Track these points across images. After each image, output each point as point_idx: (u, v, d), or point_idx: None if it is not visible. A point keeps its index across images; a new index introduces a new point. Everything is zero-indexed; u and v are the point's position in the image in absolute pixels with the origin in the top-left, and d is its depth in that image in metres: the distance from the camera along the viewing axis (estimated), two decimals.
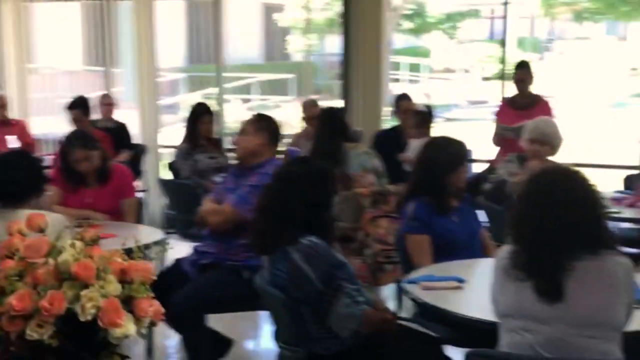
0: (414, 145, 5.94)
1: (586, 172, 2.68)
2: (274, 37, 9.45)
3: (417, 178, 4.05)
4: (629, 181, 5.71)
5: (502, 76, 7.12)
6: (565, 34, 29.96)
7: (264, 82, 11.71)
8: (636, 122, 14.57)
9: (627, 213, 4.82)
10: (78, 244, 1.60)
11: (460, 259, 3.76)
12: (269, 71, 10.85)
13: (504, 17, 6.88)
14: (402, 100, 6.40)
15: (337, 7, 7.28)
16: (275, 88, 11.84)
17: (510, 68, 6.98)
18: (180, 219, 5.69)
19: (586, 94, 18.16)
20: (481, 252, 3.97)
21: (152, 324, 1.62)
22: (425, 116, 5.94)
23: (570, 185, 2.61)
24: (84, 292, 1.53)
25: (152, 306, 1.61)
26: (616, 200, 4.94)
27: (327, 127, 5.36)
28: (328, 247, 3.14)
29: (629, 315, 2.61)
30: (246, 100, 12.53)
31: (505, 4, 6.78)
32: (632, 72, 24.69)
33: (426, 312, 3.57)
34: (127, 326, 1.55)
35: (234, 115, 9.62)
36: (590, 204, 2.59)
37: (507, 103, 6.13)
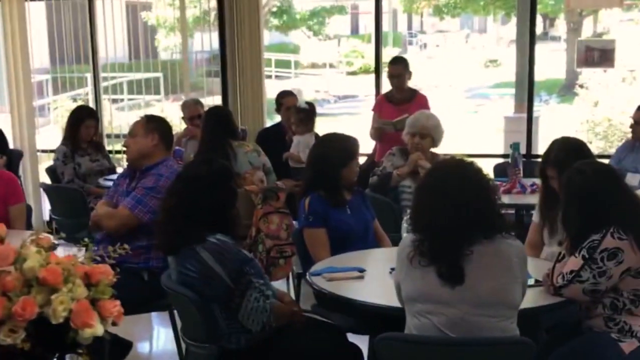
0: (297, 141, 6.06)
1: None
2: (142, 35, 9.33)
3: (311, 174, 4.18)
4: (499, 169, 6.04)
5: (374, 70, 7.32)
6: (426, 28, 31.04)
7: (133, 81, 11.51)
8: (498, 112, 15.37)
9: (504, 199, 5.12)
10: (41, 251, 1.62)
11: (356, 249, 3.92)
12: (137, 70, 10.67)
13: (376, 13, 7.07)
14: (285, 97, 6.47)
15: (206, 5, 7.29)
16: (144, 87, 11.66)
17: (381, 63, 7.22)
18: (66, 224, 5.56)
19: (449, 86, 18.91)
20: (375, 242, 4.15)
21: (114, 324, 1.66)
22: (308, 113, 6.05)
23: (464, 176, 2.80)
24: (54, 296, 1.56)
25: (115, 307, 1.66)
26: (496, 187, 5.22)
27: (214, 126, 5.39)
28: (235, 244, 3.21)
29: (524, 294, 2.83)
30: (115, 101, 12.25)
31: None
32: (491, 64, 25.90)
33: (326, 302, 3.72)
34: (97, 326, 1.59)
35: (106, 116, 9.41)
36: (484, 192, 2.79)
37: (385, 98, 6.33)
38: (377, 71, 7.13)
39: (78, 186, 6.01)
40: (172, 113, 10.67)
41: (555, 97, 18.87)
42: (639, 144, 5.37)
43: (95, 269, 1.72)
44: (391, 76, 6.18)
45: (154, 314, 5.13)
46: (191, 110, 6.37)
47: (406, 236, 2.91)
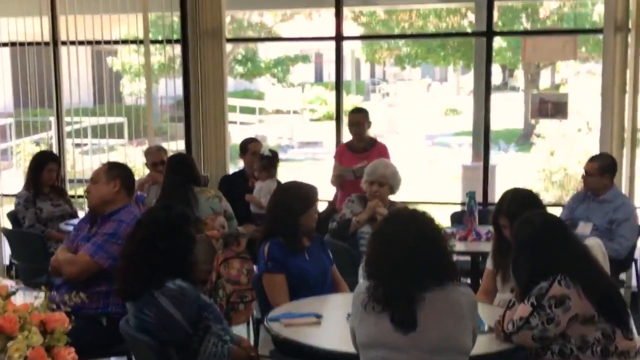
0: (259, 187, 6.15)
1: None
2: (107, 80, 9.38)
3: (271, 220, 4.26)
4: (456, 217, 6.18)
5: (335, 118, 7.46)
6: (388, 77, 31.55)
7: (97, 126, 11.51)
8: (456, 160, 15.61)
9: (459, 246, 5.25)
10: None
11: (314, 295, 3.99)
12: (101, 114, 10.68)
13: (337, 62, 7.22)
14: (250, 143, 6.56)
15: (171, 52, 7.40)
16: (108, 131, 11.67)
17: (342, 110, 7.36)
18: (26, 269, 5.55)
19: (410, 134, 19.20)
20: (333, 288, 4.22)
21: None
22: (270, 159, 6.15)
23: (417, 224, 2.90)
24: (10, 344, 1.59)
25: (70, 353, 1.70)
26: (448, 235, 5.35)
27: (176, 172, 5.45)
28: (194, 290, 3.27)
29: (474, 340, 2.93)
30: (79, 145, 12.24)
31: (339, 49, 7.14)
32: (451, 113, 26.36)
33: (284, 348, 3.76)
34: None
35: (69, 160, 9.42)
36: (436, 241, 2.89)
37: (346, 147, 6.45)
38: (338, 119, 7.27)
39: (39, 231, 6.00)
40: (136, 158, 10.70)
41: (513, 146, 19.23)
42: (590, 194, 5.53)
43: (51, 317, 1.76)
44: (351, 125, 6.32)
45: (112, 359, 5.12)
46: (154, 156, 6.43)
47: (361, 282, 2.99)
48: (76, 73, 7.83)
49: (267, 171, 6.11)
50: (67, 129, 8.22)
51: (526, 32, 12.98)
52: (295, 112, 25.53)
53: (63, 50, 7.62)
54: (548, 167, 12.36)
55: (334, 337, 3.34)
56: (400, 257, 2.82)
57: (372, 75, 37.24)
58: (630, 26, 6.19)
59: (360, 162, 5.99)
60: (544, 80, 26.23)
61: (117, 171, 4.31)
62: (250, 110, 23.38)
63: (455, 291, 2.85)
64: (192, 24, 7.10)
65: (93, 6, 7.46)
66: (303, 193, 4.22)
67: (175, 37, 7.38)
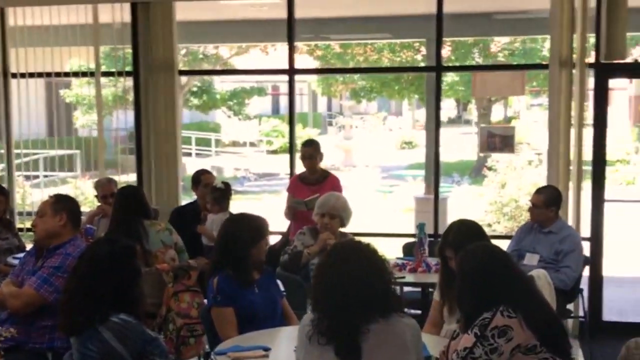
0: (211, 220, 6.12)
1: (370, 242, 3.05)
2: (59, 112, 9.32)
3: (220, 253, 4.25)
4: (407, 248, 6.24)
5: (289, 151, 7.50)
6: (345, 111, 31.81)
7: (48, 158, 11.43)
8: (411, 192, 15.75)
9: (410, 277, 5.30)
10: None
11: (264, 328, 3.98)
12: (52, 147, 10.58)
13: (290, 96, 7.28)
14: (202, 174, 6.54)
15: (126, 83, 7.40)
16: (59, 164, 11.57)
17: (297, 142, 7.41)
18: None
19: (365, 167, 19.35)
20: (283, 320, 4.22)
21: None
22: (223, 192, 6.13)
23: (361, 256, 2.93)
24: None
25: None
26: (399, 266, 5.41)
27: (125, 205, 5.41)
28: (139, 324, 3.24)
29: None
30: (30, 177, 12.12)
31: (291, 82, 7.20)
32: (406, 146, 26.65)
33: None
34: None
35: (20, 192, 9.31)
36: (380, 273, 2.93)
37: (299, 179, 6.49)
38: (291, 151, 7.30)
39: None
40: (89, 190, 10.60)
41: (467, 179, 19.48)
42: (537, 225, 5.63)
43: None
44: (303, 157, 6.36)
45: None
46: (104, 188, 6.38)
47: (306, 315, 3.00)
48: (26, 105, 7.77)
49: (219, 204, 6.09)
50: (17, 161, 8.13)
51: (474, 67, 13.22)
52: (252, 144, 25.60)
53: (13, 82, 7.56)
54: (499, 199, 12.54)
55: None
56: (344, 289, 2.84)
57: (329, 108, 37.57)
58: (574, 61, 6.35)
59: (313, 194, 6.03)
60: (497, 114, 26.73)
61: (63, 204, 4.27)
62: (206, 142, 23.38)
63: (400, 323, 2.88)
64: (144, 57, 7.10)
65: (44, 38, 7.43)
66: (253, 225, 4.21)
67: (128, 69, 7.36)
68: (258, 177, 21.41)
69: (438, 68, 7.06)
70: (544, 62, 15.90)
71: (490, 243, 3.70)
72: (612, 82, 6.68)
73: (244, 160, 22.52)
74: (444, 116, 29.92)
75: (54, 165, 11.61)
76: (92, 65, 7.48)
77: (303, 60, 18.36)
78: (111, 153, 16.67)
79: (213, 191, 6.15)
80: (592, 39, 6.53)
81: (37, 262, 4.20)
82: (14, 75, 7.56)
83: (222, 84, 22.36)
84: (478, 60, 17.64)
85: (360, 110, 35.40)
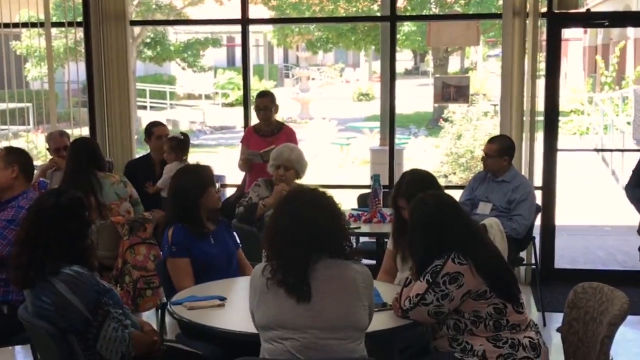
0: (169, 169, 6.05)
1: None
2: (10, 65, 9.08)
3: (172, 205, 4.25)
4: (362, 199, 6.29)
5: (243, 103, 7.45)
6: (301, 62, 31.64)
7: (0, 112, 11.23)
8: (367, 144, 15.82)
9: (365, 228, 5.35)
10: None
11: (220, 279, 4.01)
12: (5, 100, 10.41)
13: (244, 46, 7.20)
14: (155, 127, 6.45)
15: (78, 35, 7.23)
16: (11, 117, 11.38)
17: (252, 95, 7.35)
18: None
19: (322, 119, 19.33)
20: (238, 271, 4.25)
21: None
22: (180, 142, 6.07)
23: (316, 202, 2.96)
24: None
25: None
26: (354, 217, 5.46)
27: (79, 157, 5.34)
28: (92, 275, 3.23)
29: (371, 318, 3.00)
30: None
31: (245, 32, 7.11)
32: (364, 98, 26.64)
33: (190, 332, 3.78)
34: None
35: None
36: (335, 217, 2.96)
37: (254, 130, 6.46)
38: (246, 103, 7.25)
39: None
40: (42, 144, 10.44)
41: (424, 130, 19.61)
42: (490, 175, 5.70)
43: None
44: (258, 109, 6.32)
45: (17, 348, 5.03)
46: (57, 142, 6.27)
47: (258, 266, 3.02)
48: None
49: (175, 153, 6.03)
50: None
51: (429, 17, 13.22)
52: (207, 97, 25.35)
53: None
54: (456, 150, 12.66)
55: (237, 319, 3.36)
56: (296, 229, 2.87)
57: (286, 60, 37.32)
58: (528, 11, 6.38)
59: (268, 146, 6.02)
60: (454, 65, 26.82)
61: (15, 157, 4.22)
62: (161, 95, 23.10)
63: (351, 269, 2.92)
64: (94, 7, 6.95)
65: None
66: (197, 176, 4.21)
67: (79, 20, 7.21)
68: (214, 130, 21.28)
69: (393, 18, 7.04)
70: (489, 13, 16.00)
71: (441, 192, 3.75)
72: (568, 33, 6.73)
73: (200, 113, 22.31)
74: (400, 68, 29.96)
75: (5, 119, 11.41)
76: (42, 16, 7.29)
77: (258, 11, 18.15)
78: (64, 107, 16.42)
79: (171, 140, 6.10)
80: None
81: None
82: None
83: (176, 36, 22.02)
84: (435, 10, 17.62)
85: (317, 62, 35.23)
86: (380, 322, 3.24)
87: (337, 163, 15.05)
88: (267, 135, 6.32)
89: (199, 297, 3.61)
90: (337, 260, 2.91)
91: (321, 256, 2.88)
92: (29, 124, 13.83)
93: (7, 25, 7.58)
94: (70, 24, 7.27)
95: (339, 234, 2.95)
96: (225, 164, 10.70)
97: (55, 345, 3.16)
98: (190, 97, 26.44)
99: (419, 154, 15.12)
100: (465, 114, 13.40)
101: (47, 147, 6.50)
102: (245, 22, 7.06)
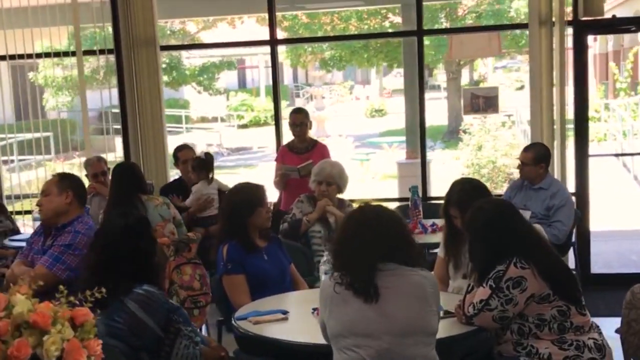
0: (195, 189, 6.13)
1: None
2: (26, 95, 9.17)
3: (223, 222, 4.33)
4: (401, 211, 6.31)
5: (274, 122, 7.52)
6: (310, 81, 31.76)
7: (23, 142, 11.33)
8: (387, 159, 15.89)
9: None
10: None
11: (274, 294, 4.06)
12: (27, 130, 10.52)
13: (273, 67, 7.29)
14: (179, 151, 6.53)
15: (94, 63, 7.32)
16: (33, 147, 11.48)
17: (280, 114, 7.44)
18: None
19: (339, 136, 19.41)
20: (292, 287, 4.30)
21: None
22: (201, 162, 6.15)
23: (382, 214, 3.03)
24: (46, 338, 1.65)
25: (98, 345, 1.77)
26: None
27: (123, 181, 5.44)
28: (161, 293, 3.29)
29: (438, 322, 3.05)
30: (5, 162, 12.02)
31: (274, 53, 7.21)
32: (377, 114, 26.72)
33: (249, 347, 3.83)
34: None
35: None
36: (401, 227, 3.03)
37: (288, 148, 6.52)
38: (277, 122, 7.34)
39: None
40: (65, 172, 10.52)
41: (440, 143, 19.65)
42: (527, 183, 5.75)
43: (77, 312, 1.84)
44: (294, 125, 6.37)
45: None
46: (95, 167, 6.36)
47: (326, 277, 3.09)
48: None
49: (197, 173, 6.11)
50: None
51: (454, 30, 13.30)
52: (221, 119, 25.49)
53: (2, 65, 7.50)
54: (476, 161, 12.71)
55: (302, 330, 3.43)
56: (364, 240, 2.94)
57: (295, 79, 37.46)
58: (554, 19, 6.44)
59: (303, 163, 6.10)
60: (464, 78, 26.87)
61: (68, 182, 4.29)
62: (176, 119, 23.23)
63: (419, 276, 2.98)
64: (125, 34, 7.06)
65: (22, 20, 7.36)
66: (248, 194, 4.28)
67: (100, 47, 7.31)
68: (231, 151, 21.38)
69: (419, 32, 7.13)
70: (512, 23, 16.09)
71: (496, 198, 3.81)
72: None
73: (216, 135, 22.43)
74: (409, 82, 30.01)
75: (28, 149, 11.51)
76: (58, 46, 7.38)
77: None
78: (82, 134, 16.47)
79: (192, 161, 6.21)
80: None
81: (46, 241, 4.23)
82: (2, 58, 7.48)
83: (189, 60, 22.19)
84: (446, 24, 17.73)
85: (326, 80, 35.38)
86: (441, 329, 3.27)
87: (357, 178, 15.11)
88: (301, 152, 6.38)
89: (262, 311, 3.66)
90: (403, 266, 2.97)
91: (388, 263, 2.95)
92: (49, 153, 13.94)
93: (30, 56, 7.69)
94: (101, 52, 7.38)
95: (404, 241, 3.02)
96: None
97: None
98: (203, 120, 26.59)
99: (438, 166, 15.16)
100: (483, 125, 13.47)
101: (85, 172, 6.59)
102: (273, 42, 7.16)
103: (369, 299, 2.88)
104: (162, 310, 3.22)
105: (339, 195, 5.38)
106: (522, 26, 10.62)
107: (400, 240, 3.00)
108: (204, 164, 6.17)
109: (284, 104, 28.58)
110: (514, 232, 3.37)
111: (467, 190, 3.99)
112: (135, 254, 3.31)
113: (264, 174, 13.76)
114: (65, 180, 4.31)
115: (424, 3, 7.21)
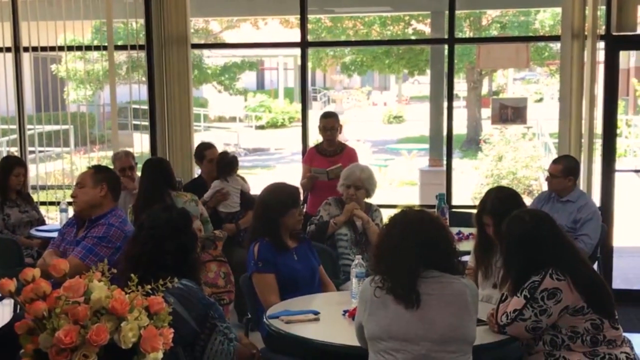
0: (214, 185, 6.13)
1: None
2: (49, 88, 9.23)
3: (255, 220, 4.34)
4: None
5: (302, 123, 7.55)
6: (334, 85, 31.77)
7: (40, 133, 11.37)
8: (409, 165, 15.90)
9: None
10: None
11: (303, 294, 4.08)
12: (41, 122, 10.54)
13: (302, 70, 7.32)
14: (206, 149, 6.52)
15: (117, 58, 7.37)
16: (52, 139, 11.56)
17: (307, 116, 7.46)
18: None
19: (357, 141, 19.43)
20: (321, 288, 4.32)
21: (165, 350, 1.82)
22: (227, 160, 6.15)
23: (424, 219, 3.04)
24: (124, 324, 1.69)
25: (171, 334, 1.81)
26: None
27: (154, 176, 5.46)
28: (199, 289, 3.32)
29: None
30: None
31: (304, 55, 7.23)
32: (395, 120, 26.71)
33: (276, 346, 3.86)
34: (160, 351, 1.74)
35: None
36: (444, 234, 3.04)
37: (316, 151, 6.54)
38: (304, 125, 7.37)
39: (8, 237, 5.94)
40: (82, 165, 10.60)
41: (457, 152, 19.62)
42: (554, 195, 5.74)
43: (153, 300, 1.88)
44: (324, 129, 6.40)
45: None
46: (122, 161, 6.40)
47: (367, 279, 3.10)
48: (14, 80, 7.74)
49: (216, 172, 6.11)
50: (12, 137, 8.12)
51: (486, 39, 13.32)
52: (239, 119, 25.56)
53: (25, 56, 7.57)
54: (496, 171, 12.70)
55: (334, 332, 3.45)
56: (407, 245, 2.95)
57: (313, 83, 37.52)
58: (586, 33, 6.44)
59: (331, 166, 6.12)
60: (483, 88, 26.82)
61: (103, 175, 4.32)
62: (195, 117, 23.33)
63: (460, 283, 2.99)
64: (156, 30, 7.11)
65: (56, 13, 7.42)
66: (284, 194, 4.30)
67: (127, 43, 7.36)
68: (248, 152, 21.43)
69: (451, 40, 7.13)
70: (536, 35, 16.08)
71: (533, 208, 3.81)
72: (601, 56, 6.74)
73: (233, 135, 22.50)
74: (425, 91, 29.98)
75: (48, 141, 11.55)
76: (82, 40, 7.42)
77: (294, 34, 18.33)
78: (101, 128, 16.56)
79: (219, 155, 6.23)
80: (602, 11, 6.64)
81: (79, 232, 4.26)
82: (26, 49, 7.54)
83: (210, 59, 22.27)
84: (470, 34, 17.72)
85: (344, 85, 35.42)
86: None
87: (379, 184, 15.15)
88: (330, 155, 6.41)
89: (293, 311, 3.68)
90: (446, 274, 2.98)
91: (430, 269, 2.96)
92: (68, 146, 14.03)
93: (62, 48, 7.75)
94: (132, 47, 7.44)
95: (447, 248, 3.03)
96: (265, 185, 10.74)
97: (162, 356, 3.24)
98: (220, 119, 26.68)
99: (457, 174, 15.16)
100: (503, 136, 13.45)
101: (113, 167, 6.63)
102: (304, 44, 7.19)
103: (410, 305, 2.89)
104: (200, 306, 3.25)
105: (367, 200, 5.39)
106: (553, 38, 10.61)
107: (443, 247, 3.01)
108: (228, 163, 6.16)
109: (301, 107, 28.66)
110: (552, 243, 3.37)
111: (501, 199, 4.00)
112: (178, 249, 3.35)
113: (282, 175, 13.80)
114: (100, 173, 4.34)
115: (463, 11, 7.21)
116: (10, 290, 2.02)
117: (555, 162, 5.80)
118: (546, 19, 16.13)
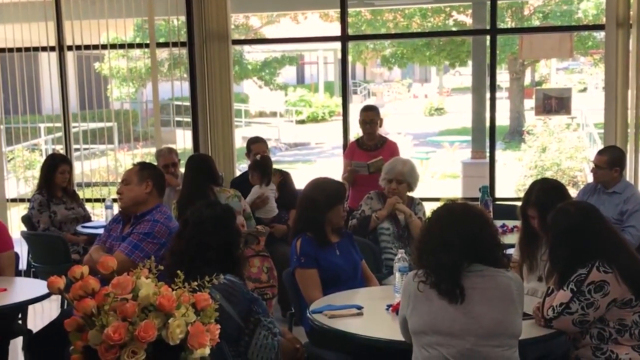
0: (253, 192, 6.14)
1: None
2: (92, 86, 9.37)
3: (299, 215, 4.35)
4: None
5: (342, 117, 7.55)
6: (375, 78, 31.66)
7: (85, 130, 11.54)
8: (448, 158, 15.79)
9: None
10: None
11: (345, 289, 4.08)
12: (85, 120, 10.70)
13: (343, 64, 7.32)
14: (253, 144, 6.55)
15: (159, 55, 7.47)
16: (97, 136, 11.71)
17: (348, 110, 7.46)
18: (46, 271, 5.60)
19: (397, 134, 19.37)
20: (363, 283, 4.32)
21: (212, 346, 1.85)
22: (253, 165, 6.16)
23: (468, 212, 3.02)
24: (171, 320, 1.73)
25: (217, 330, 1.84)
26: None
27: (197, 172, 5.51)
28: (243, 284, 3.34)
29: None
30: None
31: (344, 48, 7.22)
32: (436, 112, 26.55)
33: (319, 340, 3.87)
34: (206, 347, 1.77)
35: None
36: (489, 228, 3.01)
37: (357, 145, 6.54)
38: (345, 119, 7.37)
39: (55, 234, 6.05)
40: (126, 162, 10.75)
41: (500, 144, 19.44)
42: (600, 186, 5.65)
43: (200, 296, 1.91)
44: (364, 123, 6.39)
45: None
46: (166, 158, 6.46)
47: (411, 273, 3.09)
48: (58, 78, 7.85)
49: (254, 175, 6.12)
50: (57, 134, 8.25)
51: (528, 29, 13.15)
52: (280, 114, 25.64)
53: (69, 55, 7.68)
54: (540, 163, 12.55)
55: (378, 326, 3.44)
56: (451, 239, 2.93)
57: (353, 76, 37.46)
58: (631, 21, 6.33)
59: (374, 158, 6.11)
60: (525, 79, 26.53)
61: (148, 172, 4.37)
62: (236, 113, 23.47)
63: (505, 277, 2.96)
64: (198, 27, 7.17)
65: (98, 12, 7.52)
66: (331, 189, 4.31)
67: (169, 40, 7.42)
68: (289, 147, 21.51)
69: (493, 31, 7.06)
70: (578, 24, 15.83)
71: (579, 200, 3.76)
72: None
73: (274, 130, 22.59)
74: (467, 82, 29.77)
75: (93, 138, 11.70)
76: (124, 38, 7.50)
77: (334, 28, 18.33)
78: (144, 125, 16.72)
79: (253, 160, 6.23)
80: None
81: (125, 228, 4.32)
82: (69, 48, 7.66)
83: (250, 54, 22.37)
84: (512, 24, 17.53)
85: (385, 78, 35.30)
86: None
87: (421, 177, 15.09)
88: (371, 149, 6.39)
89: (336, 305, 3.68)
90: (490, 267, 2.96)
91: (474, 263, 2.94)
92: (112, 143, 14.24)
93: (105, 47, 7.86)
94: (175, 44, 7.51)
95: (491, 242, 3.00)
96: (307, 180, 10.77)
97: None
98: (261, 114, 26.79)
99: (499, 167, 15.02)
100: (547, 127, 13.28)
101: (156, 163, 6.70)
102: (345, 38, 7.19)
103: (454, 300, 2.88)
104: (244, 301, 3.27)
105: (409, 194, 5.37)
106: (597, 27, 10.45)
107: (487, 240, 2.98)
108: (253, 167, 6.15)
109: (341, 100, 28.66)
110: (598, 236, 3.32)
111: (547, 191, 3.95)
112: (222, 244, 3.38)
113: (322, 170, 13.82)
114: (145, 170, 4.39)
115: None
116: (59, 288, 2.05)
117: (600, 153, 5.71)
118: (589, 7, 15.87)
